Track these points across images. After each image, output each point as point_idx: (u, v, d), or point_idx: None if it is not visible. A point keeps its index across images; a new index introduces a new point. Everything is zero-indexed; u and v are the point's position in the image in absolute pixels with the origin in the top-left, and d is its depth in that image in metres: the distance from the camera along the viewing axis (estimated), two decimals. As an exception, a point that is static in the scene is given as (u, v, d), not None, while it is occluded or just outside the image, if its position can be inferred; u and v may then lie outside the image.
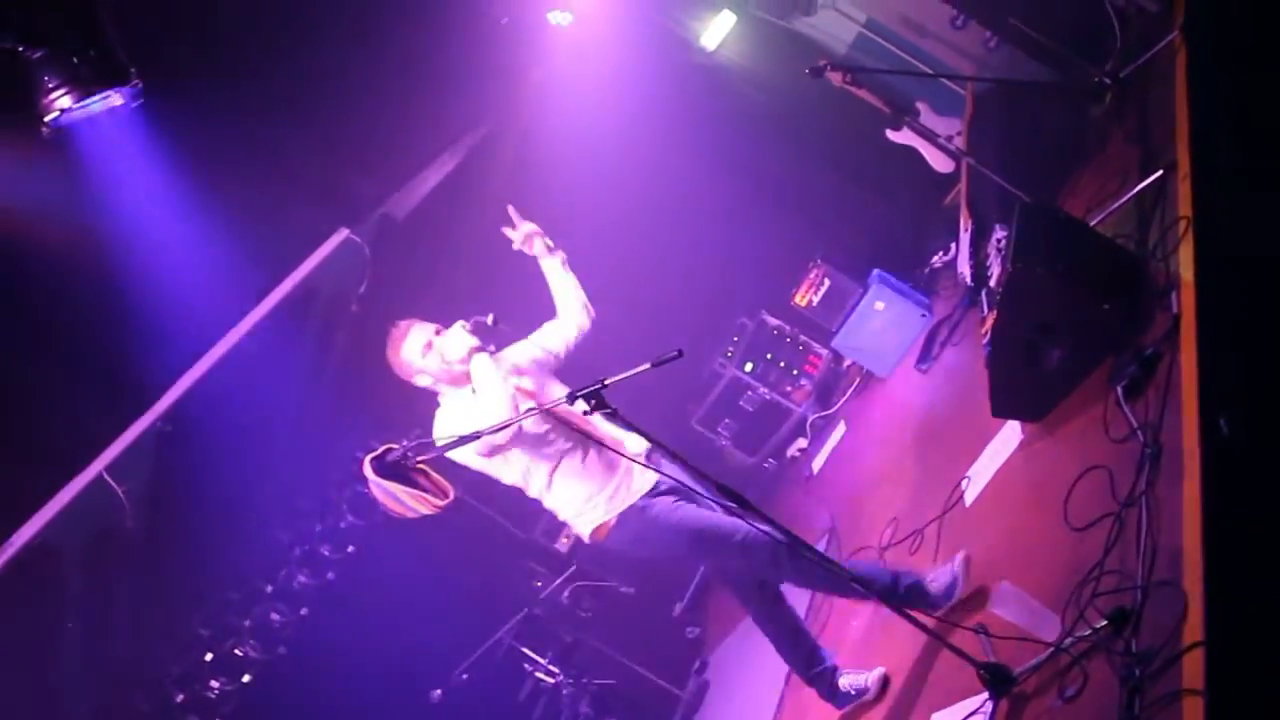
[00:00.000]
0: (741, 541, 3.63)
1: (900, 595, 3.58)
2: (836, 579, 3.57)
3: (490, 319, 3.71)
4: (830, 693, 3.93)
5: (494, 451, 3.57)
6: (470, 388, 3.68)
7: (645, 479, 3.79)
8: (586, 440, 3.77)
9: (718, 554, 3.79)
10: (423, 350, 3.78)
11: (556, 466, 3.76)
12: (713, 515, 3.74)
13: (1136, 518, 2.86)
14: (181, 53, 4.08)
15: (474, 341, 3.68)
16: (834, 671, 3.95)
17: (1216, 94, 4.01)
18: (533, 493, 3.86)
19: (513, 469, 3.77)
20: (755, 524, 3.61)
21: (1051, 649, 2.85)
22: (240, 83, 4.43)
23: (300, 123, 4.90)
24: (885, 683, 3.76)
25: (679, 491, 3.80)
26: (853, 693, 3.86)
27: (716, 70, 6.91)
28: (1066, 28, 5.68)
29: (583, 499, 3.77)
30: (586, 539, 3.87)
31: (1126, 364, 3.33)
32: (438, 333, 3.81)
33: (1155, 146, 4.15)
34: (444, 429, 3.72)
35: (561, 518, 3.89)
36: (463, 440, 3.30)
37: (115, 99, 3.10)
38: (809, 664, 3.99)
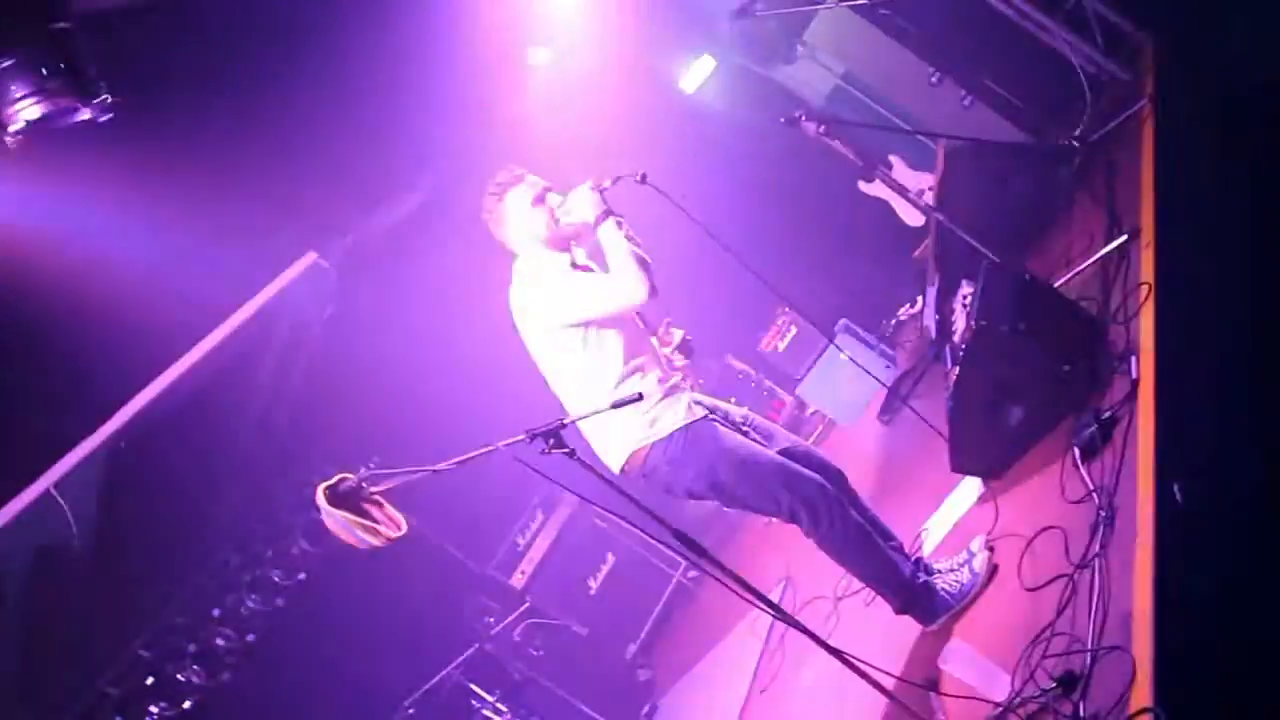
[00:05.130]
0: (787, 480, 3.51)
1: (910, 589, 3.54)
2: (867, 551, 3.51)
3: (640, 175, 3.53)
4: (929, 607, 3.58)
5: (599, 324, 3.50)
6: (569, 257, 3.59)
7: (692, 409, 3.61)
8: (657, 356, 3.69)
9: (759, 487, 3.55)
10: (532, 202, 3.60)
11: (626, 369, 3.57)
12: (761, 449, 3.60)
13: (1089, 580, 2.87)
14: (152, 69, 4.05)
15: (604, 206, 3.52)
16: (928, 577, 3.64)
17: (1182, 163, 4.08)
18: (590, 389, 3.56)
19: (580, 355, 3.55)
20: (805, 469, 3.58)
21: (1000, 709, 2.84)
22: (212, 100, 4.41)
23: (272, 145, 4.87)
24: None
25: (726, 422, 3.67)
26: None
27: (694, 114, 6.96)
28: (1039, 90, 5.79)
29: (642, 409, 3.51)
30: (621, 465, 3.60)
31: (1085, 426, 3.36)
32: (549, 189, 3.64)
33: (1120, 211, 4.21)
34: (556, 297, 3.54)
35: (597, 432, 3.60)
36: None
37: (83, 112, 3.06)
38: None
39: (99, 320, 4.34)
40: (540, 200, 3.62)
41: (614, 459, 3.62)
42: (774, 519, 3.65)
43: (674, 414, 3.59)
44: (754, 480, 3.55)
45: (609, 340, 3.57)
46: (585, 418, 3.22)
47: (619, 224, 3.50)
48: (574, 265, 3.67)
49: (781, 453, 3.67)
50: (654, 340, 3.82)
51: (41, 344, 4.25)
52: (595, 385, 3.57)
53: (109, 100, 3.07)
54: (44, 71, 2.91)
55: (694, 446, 3.55)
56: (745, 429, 3.73)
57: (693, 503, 6.74)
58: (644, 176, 3.56)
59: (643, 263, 3.45)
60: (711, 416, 3.64)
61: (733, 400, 4.00)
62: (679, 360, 3.85)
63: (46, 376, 4.33)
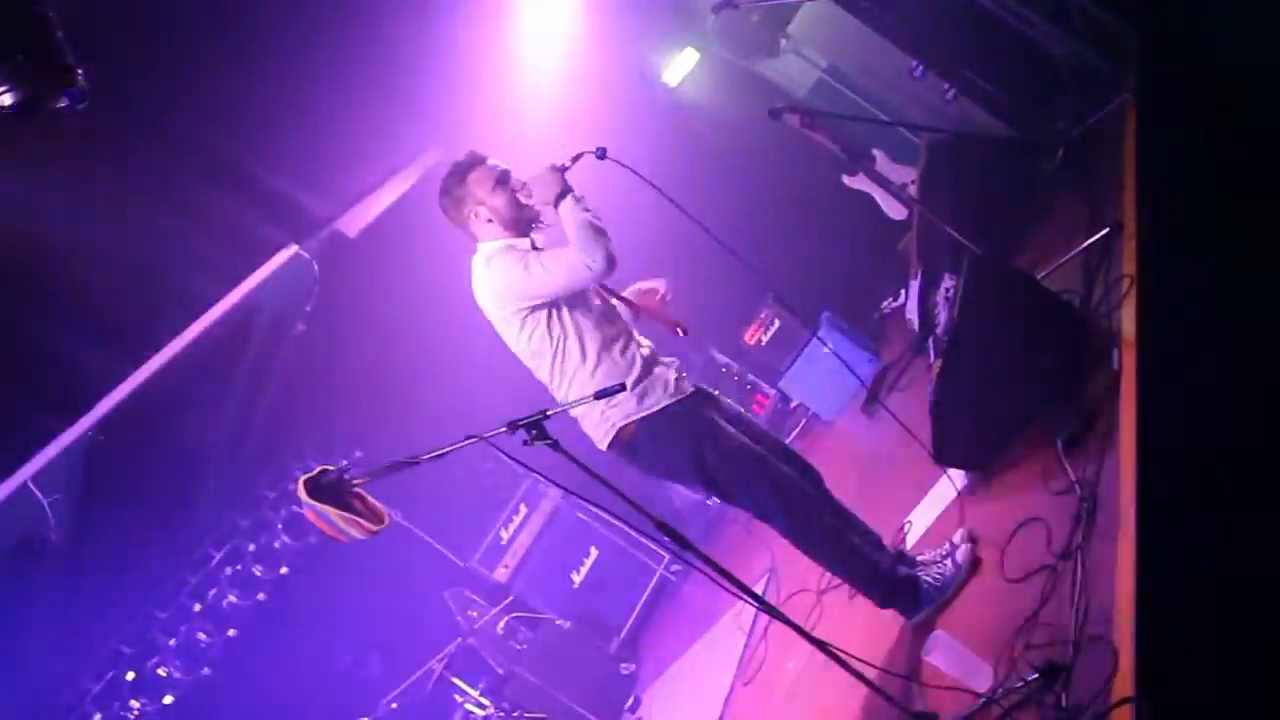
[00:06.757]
0: (765, 475, 3.51)
1: (891, 582, 3.54)
2: (842, 551, 3.51)
3: (599, 150, 3.51)
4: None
5: (565, 302, 3.48)
6: (529, 241, 3.58)
7: (680, 384, 3.61)
8: (629, 331, 3.66)
9: (739, 476, 3.55)
10: (493, 186, 3.57)
11: (601, 344, 3.55)
12: (745, 439, 3.59)
13: (1071, 571, 2.87)
14: (131, 57, 4.01)
15: (562, 184, 3.49)
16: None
17: (1163, 155, 4.09)
18: (567, 368, 3.55)
19: (552, 335, 3.53)
20: (783, 465, 3.58)
21: (983, 700, 2.84)
22: (190, 88, 4.37)
23: (252, 134, 4.84)
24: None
25: (713, 404, 3.67)
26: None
27: (677, 107, 6.95)
28: (1022, 84, 5.79)
29: (629, 382, 3.52)
30: (606, 443, 3.59)
31: (1067, 418, 3.37)
32: (508, 172, 3.60)
33: (1103, 204, 4.22)
34: (517, 278, 3.49)
35: (586, 409, 3.56)
36: None
37: (60, 100, 3.02)
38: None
39: (78, 312, 4.31)
40: (502, 183, 3.60)
41: (601, 435, 3.60)
42: (748, 513, 3.66)
43: (664, 388, 3.58)
44: (736, 468, 3.55)
45: (579, 318, 3.55)
46: (568, 408, 3.21)
47: (577, 200, 3.48)
48: (534, 248, 3.65)
49: (761, 448, 3.67)
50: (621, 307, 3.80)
51: (19, 336, 4.21)
52: (571, 364, 3.56)
53: (86, 88, 3.04)
54: (19, 58, 2.88)
55: (682, 423, 3.55)
56: (729, 417, 3.72)
57: (678, 497, 6.79)
58: (603, 151, 3.54)
59: (599, 232, 3.42)
60: (700, 394, 3.65)
61: (716, 393, 3.97)
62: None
63: (24, 368, 4.29)
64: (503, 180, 3.60)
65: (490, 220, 3.61)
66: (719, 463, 3.55)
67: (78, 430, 4.54)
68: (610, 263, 3.42)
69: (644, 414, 3.55)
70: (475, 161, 3.63)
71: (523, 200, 3.59)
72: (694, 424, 3.56)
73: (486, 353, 3.98)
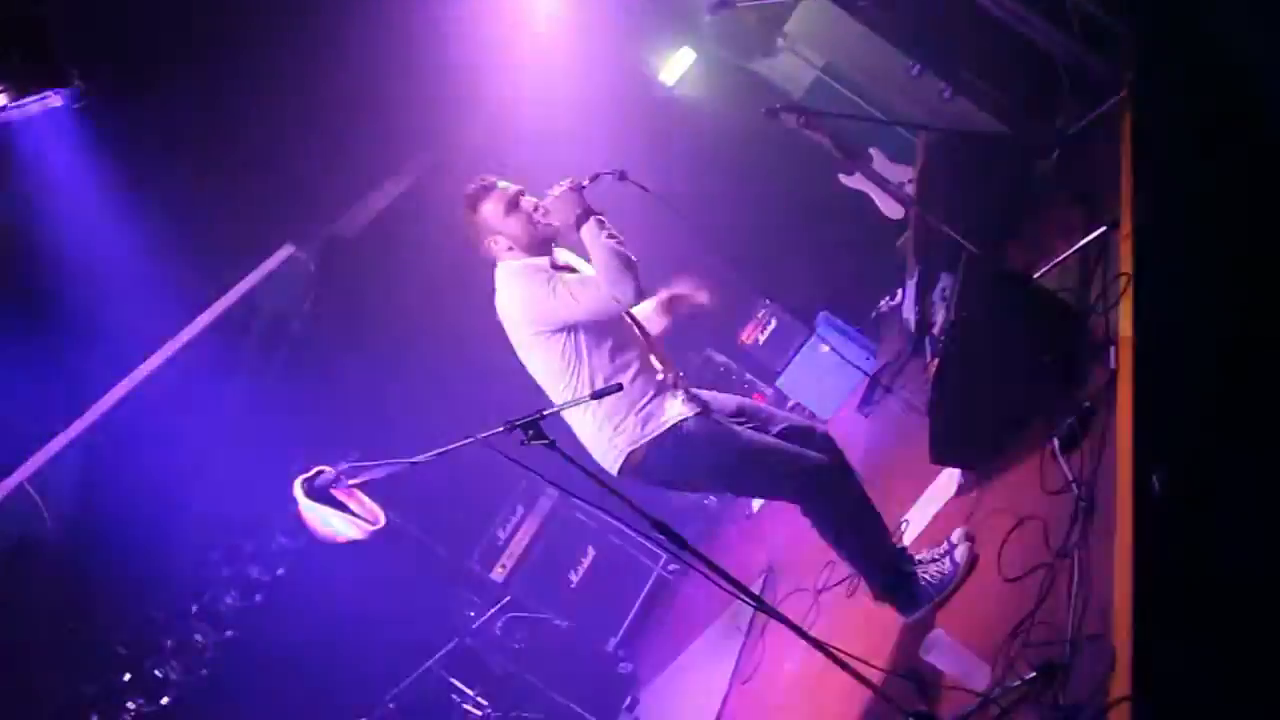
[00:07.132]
0: (789, 463, 3.51)
1: (895, 574, 3.56)
2: (861, 528, 3.55)
3: (619, 172, 3.52)
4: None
5: (584, 326, 3.47)
6: (548, 258, 3.58)
7: (687, 401, 3.60)
8: (642, 355, 3.64)
9: (763, 473, 3.58)
10: (506, 210, 3.56)
11: (613, 372, 3.52)
12: (761, 435, 3.60)
13: (1068, 571, 2.87)
14: (128, 58, 4.01)
15: (584, 205, 3.48)
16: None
17: (1160, 154, 4.09)
18: (580, 390, 3.52)
19: (567, 361, 3.51)
20: (806, 449, 3.58)
21: (981, 699, 2.84)
22: (188, 89, 4.36)
23: (250, 135, 4.84)
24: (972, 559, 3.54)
25: (722, 414, 3.67)
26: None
27: (674, 107, 6.94)
28: (1019, 82, 5.80)
29: (625, 407, 3.52)
30: (617, 468, 3.57)
31: (1064, 417, 3.37)
32: (521, 192, 3.60)
33: (1099, 203, 4.22)
34: (539, 300, 3.48)
35: (593, 436, 3.58)
36: None
37: (54, 100, 3.02)
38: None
39: (76, 311, 4.30)
40: (514, 206, 3.58)
41: (611, 461, 3.59)
42: (769, 501, 3.66)
43: (669, 411, 3.57)
44: (758, 468, 3.56)
45: (595, 342, 3.54)
46: (564, 408, 3.21)
47: (601, 224, 3.45)
48: (555, 266, 3.64)
49: (781, 433, 3.68)
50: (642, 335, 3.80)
51: (18, 335, 4.21)
52: (584, 386, 3.54)
53: (81, 88, 3.04)
54: (15, 59, 2.88)
55: (692, 441, 3.54)
56: (742, 418, 3.72)
57: (674, 496, 6.79)
58: (623, 173, 3.55)
59: (627, 263, 3.39)
60: (713, 412, 3.63)
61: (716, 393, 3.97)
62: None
63: (23, 368, 4.28)
64: (514, 204, 3.59)
65: (511, 248, 3.61)
66: (739, 468, 3.57)
67: (76, 430, 4.54)
68: (637, 295, 3.41)
69: (650, 436, 3.54)
70: (484, 191, 3.62)
71: (537, 219, 3.59)
72: (703, 439, 3.55)
73: (484, 353, 3.98)
